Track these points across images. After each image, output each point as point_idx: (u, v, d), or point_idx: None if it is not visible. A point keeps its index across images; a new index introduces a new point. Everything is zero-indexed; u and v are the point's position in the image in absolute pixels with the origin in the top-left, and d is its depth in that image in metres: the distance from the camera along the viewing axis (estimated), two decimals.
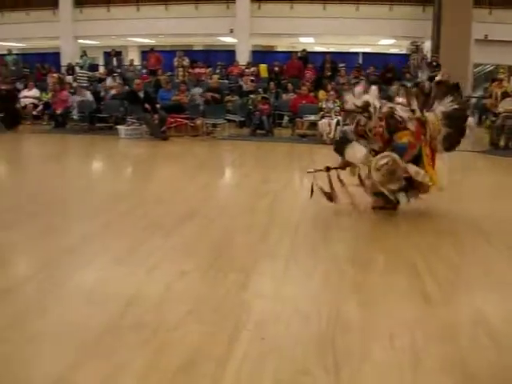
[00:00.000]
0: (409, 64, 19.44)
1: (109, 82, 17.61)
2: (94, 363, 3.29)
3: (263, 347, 3.45)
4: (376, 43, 25.23)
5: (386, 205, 6.60)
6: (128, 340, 3.55)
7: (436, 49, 18.41)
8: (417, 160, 6.45)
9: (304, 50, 19.63)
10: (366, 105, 6.37)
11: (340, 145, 6.80)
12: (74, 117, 15.74)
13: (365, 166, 6.39)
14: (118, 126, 14.14)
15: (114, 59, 21.03)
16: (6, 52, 21.71)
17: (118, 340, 3.56)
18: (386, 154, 6.18)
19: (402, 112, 6.46)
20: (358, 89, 6.91)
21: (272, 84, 16.65)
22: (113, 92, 16.25)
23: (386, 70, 18.08)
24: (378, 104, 6.46)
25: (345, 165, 6.63)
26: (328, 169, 6.59)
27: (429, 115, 6.62)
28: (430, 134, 6.54)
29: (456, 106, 6.75)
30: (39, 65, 20.63)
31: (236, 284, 4.44)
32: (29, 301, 4.17)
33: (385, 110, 6.43)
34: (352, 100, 6.54)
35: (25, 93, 17.01)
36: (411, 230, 6.05)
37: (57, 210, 7.07)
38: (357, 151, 6.45)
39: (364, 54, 22.88)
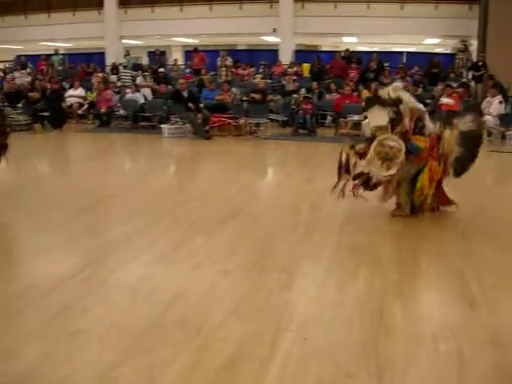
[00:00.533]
0: (454, 63, 19.19)
1: (139, 80, 17.77)
2: (138, 360, 3.33)
3: (306, 348, 3.45)
4: (421, 42, 24.94)
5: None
6: (171, 337, 3.59)
7: (482, 48, 18.08)
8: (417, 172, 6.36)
9: (347, 50, 19.51)
10: (398, 100, 6.21)
11: (369, 100, 6.70)
12: (120, 112, 15.97)
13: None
14: (162, 125, 14.26)
15: (153, 58, 21.25)
16: (52, 52, 22.11)
17: (161, 337, 3.60)
18: (399, 140, 6.06)
19: (428, 122, 6.40)
20: (399, 84, 6.79)
21: (315, 84, 16.56)
22: (145, 90, 16.49)
23: (431, 65, 17.84)
24: (412, 105, 6.32)
25: (364, 151, 6.45)
26: (352, 146, 6.42)
27: (446, 132, 6.43)
28: (442, 152, 6.40)
29: (473, 128, 6.57)
30: (84, 64, 20.95)
31: (279, 284, 4.45)
32: (72, 298, 4.23)
33: (416, 112, 6.32)
34: (388, 90, 6.40)
35: (70, 92, 17.25)
36: (456, 233, 5.96)
37: (101, 207, 7.20)
38: (379, 117, 6.25)
39: (408, 53, 22.62)
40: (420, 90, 15.65)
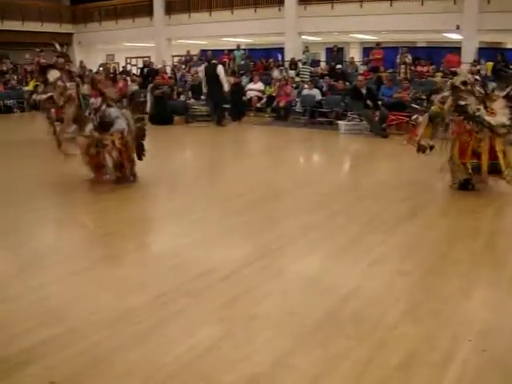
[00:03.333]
0: None
1: (275, 74, 17.94)
2: (313, 350, 3.38)
3: (484, 359, 3.30)
4: None
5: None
6: (346, 331, 3.61)
7: None
8: None
9: None
10: None
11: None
12: (298, 110, 16.21)
13: None
14: (339, 121, 14.34)
15: (331, 54, 21.22)
16: (234, 47, 22.86)
17: (336, 330, 3.63)
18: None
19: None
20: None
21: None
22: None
23: None
24: None
25: None
26: None
27: None
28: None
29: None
30: (263, 59, 21.49)
31: (458, 290, 4.31)
32: (251, 284, 4.41)
33: None
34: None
35: (250, 86, 17.79)
36: None
37: (277, 199, 7.42)
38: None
39: None
40: None
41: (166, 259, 5.01)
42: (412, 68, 18.19)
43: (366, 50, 22.19)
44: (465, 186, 7.60)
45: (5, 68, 21.81)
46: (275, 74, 18.82)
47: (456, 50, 20.16)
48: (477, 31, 19.84)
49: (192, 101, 16.69)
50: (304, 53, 22.00)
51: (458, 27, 20.03)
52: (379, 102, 13.96)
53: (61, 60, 8.37)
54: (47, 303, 4.05)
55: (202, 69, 16.63)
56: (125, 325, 3.69)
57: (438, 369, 3.18)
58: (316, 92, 16.09)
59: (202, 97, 16.59)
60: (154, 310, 3.91)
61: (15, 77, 21.75)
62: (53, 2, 29.30)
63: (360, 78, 14.66)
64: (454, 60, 17.74)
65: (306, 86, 16.62)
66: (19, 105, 20.13)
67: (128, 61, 30.36)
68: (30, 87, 20.60)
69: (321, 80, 17.80)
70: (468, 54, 19.39)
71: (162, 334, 3.57)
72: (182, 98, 17.45)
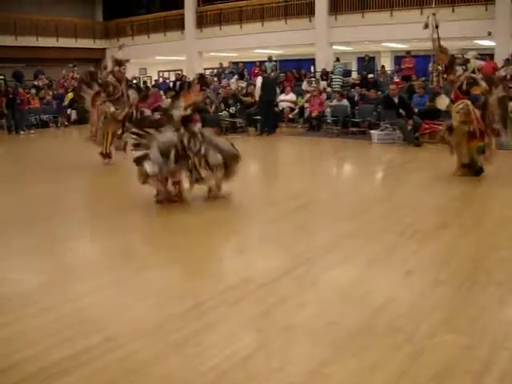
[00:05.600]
0: None
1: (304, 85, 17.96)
2: (348, 360, 3.38)
3: None
4: None
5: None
6: (382, 342, 3.59)
7: None
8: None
9: None
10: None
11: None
12: (328, 120, 16.21)
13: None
14: (371, 131, 14.30)
15: (362, 64, 21.16)
16: (265, 59, 22.95)
17: (372, 340, 3.62)
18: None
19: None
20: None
21: None
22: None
23: None
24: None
25: None
26: None
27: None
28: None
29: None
30: (294, 70, 21.53)
31: (494, 299, 4.28)
32: (286, 294, 4.41)
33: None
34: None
35: (282, 97, 17.84)
36: None
37: (311, 209, 7.43)
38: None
39: None
40: None
41: (202, 269, 5.09)
42: (444, 76, 18.02)
43: (398, 58, 22.03)
44: (479, 171, 9.05)
45: (40, 84, 22.13)
46: (304, 85, 18.86)
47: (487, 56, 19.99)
48: (509, 37, 19.64)
49: (224, 113, 16.78)
50: (335, 63, 22.01)
51: (489, 34, 19.84)
52: (413, 111, 13.85)
53: (118, 68, 8.24)
54: (85, 313, 4.12)
55: (259, 80, 16.98)
56: (162, 333, 3.74)
57: (477, 379, 3.15)
58: (346, 102, 16.08)
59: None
60: (191, 319, 3.95)
61: (50, 92, 22.06)
62: (87, 19, 29.84)
63: (392, 86, 14.59)
64: (489, 66, 17.57)
65: (336, 96, 16.61)
66: (55, 120, 20.47)
67: (160, 74, 30.64)
68: (66, 102, 21.05)
69: (352, 90, 17.78)
70: (501, 61, 19.18)
71: (199, 342, 3.60)
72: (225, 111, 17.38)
